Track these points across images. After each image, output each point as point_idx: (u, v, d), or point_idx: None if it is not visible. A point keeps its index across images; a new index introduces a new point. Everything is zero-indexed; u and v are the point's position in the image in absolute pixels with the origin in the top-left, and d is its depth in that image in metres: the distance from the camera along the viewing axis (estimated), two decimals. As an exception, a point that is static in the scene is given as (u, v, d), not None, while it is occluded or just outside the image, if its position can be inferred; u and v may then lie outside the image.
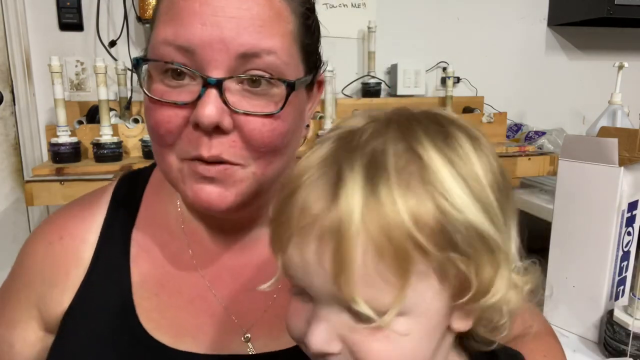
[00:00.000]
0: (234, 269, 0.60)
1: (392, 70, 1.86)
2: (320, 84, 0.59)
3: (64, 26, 1.66)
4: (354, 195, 0.35)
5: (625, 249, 0.90)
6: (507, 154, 1.47)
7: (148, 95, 0.50)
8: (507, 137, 1.80)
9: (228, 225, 0.59)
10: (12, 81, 1.63)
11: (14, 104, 1.65)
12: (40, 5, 1.64)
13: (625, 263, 0.92)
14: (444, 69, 1.91)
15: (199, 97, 0.47)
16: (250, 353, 0.57)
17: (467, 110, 1.81)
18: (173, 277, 0.59)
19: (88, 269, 0.58)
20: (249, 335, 0.58)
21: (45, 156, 1.66)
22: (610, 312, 0.88)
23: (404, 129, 0.38)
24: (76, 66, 1.69)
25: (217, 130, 0.48)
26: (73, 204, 0.65)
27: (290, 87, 0.50)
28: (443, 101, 1.74)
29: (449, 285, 0.37)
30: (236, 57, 0.47)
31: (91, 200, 0.63)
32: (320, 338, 0.37)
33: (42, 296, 0.59)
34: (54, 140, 1.31)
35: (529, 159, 1.47)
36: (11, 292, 0.62)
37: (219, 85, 0.47)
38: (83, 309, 0.57)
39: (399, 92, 1.82)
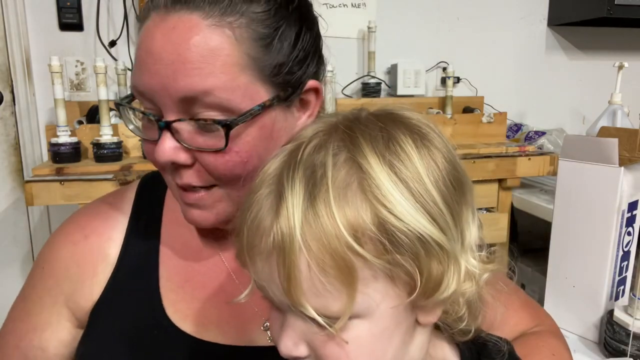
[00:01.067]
0: None
1: (392, 70, 1.86)
2: (317, 91, 0.58)
3: (64, 26, 1.66)
4: (294, 211, 0.37)
5: (626, 249, 0.90)
6: (507, 154, 1.47)
7: (131, 131, 0.57)
8: (507, 137, 1.80)
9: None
10: (12, 81, 1.64)
11: (14, 104, 1.65)
12: (40, 5, 1.64)
13: (625, 263, 0.92)
14: (444, 69, 1.91)
15: (159, 137, 0.52)
16: (270, 343, 0.59)
17: (467, 110, 1.81)
18: (198, 271, 0.62)
19: (115, 265, 0.61)
20: (268, 324, 0.60)
21: (45, 156, 1.66)
22: (610, 312, 0.88)
23: (346, 137, 0.40)
24: (76, 66, 1.69)
25: (179, 164, 0.53)
26: (94, 204, 0.68)
27: (227, 127, 0.51)
28: (443, 101, 1.74)
29: (399, 284, 0.39)
30: (178, 101, 0.50)
31: (114, 201, 0.66)
32: (288, 343, 0.40)
33: (71, 294, 0.61)
34: (54, 140, 1.31)
35: (529, 159, 1.47)
36: (34, 299, 0.63)
37: (168, 127, 0.52)
38: (111, 302, 0.60)
39: (399, 92, 1.82)
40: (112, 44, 1.67)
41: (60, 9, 1.64)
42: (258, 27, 0.52)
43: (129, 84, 1.59)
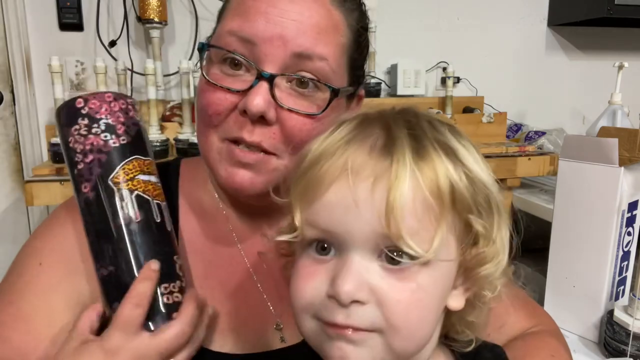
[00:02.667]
0: (269, 255, 0.63)
1: (392, 70, 1.86)
2: (360, 98, 0.63)
3: (64, 26, 1.66)
4: (404, 143, 0.39)
5: (626, 249, 0.90)
6: (507, 154, 1.47)
7: (205, 78, 0.55)
8: (507, 137, 1.80)
9: (256, 210, 0.63)
10: (12, 81, 1.63)
11: (14, 104, 1.65)
12: (40, 5, 1.64)
13: (625, 263, 0.92)
14: (444, 69, 1.91)
15: (251, 87, 0.52)
16: (283, 344, 0.60)
17: (467, 110, 1.81)
18: (217, 267, 0.62)
19: None
20: (281, 324, 0.61)
21: (45, 156, 1.66)
22: (610, 312, 0.88)
23: (416, 112, 0.44)
24: (76, 66, 1.69)
25: (261, 119, 0.53)
26: None
27: (335, 93, 0.55)
28: (443, 101, 1.74)
29: (463, 245, 0.41)
30: (291, 55, 0.52)
31: None
32: (350, 284, 0.38)
33: (83, 292, 0.57)
34: (54, 140, 1.31)
35: (529, 159, 1.46)
36: (30, 298, 0.57)
37: (271, 79, 0.52)
38: None
39: (399, 92, 1.82)
40: (112, 44, 1.67)
41: (60, 9, 1.64)
42: (360, 21, 0.59)
43: (129, 84, 1.60)
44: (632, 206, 0.89)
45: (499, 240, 0.42)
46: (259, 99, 0.51)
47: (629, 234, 0.90)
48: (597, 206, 0.88)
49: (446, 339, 0.48)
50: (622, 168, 0.85)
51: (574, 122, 2.08)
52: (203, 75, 0.56)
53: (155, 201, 0.55)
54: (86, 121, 0.54)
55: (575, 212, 0.91)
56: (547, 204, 1.34)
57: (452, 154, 0.40)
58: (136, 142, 0.55)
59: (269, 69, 0.52)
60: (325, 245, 0.41)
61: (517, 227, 0.46)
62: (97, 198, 0.53)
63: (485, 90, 1.93)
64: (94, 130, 0.54)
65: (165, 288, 0.52)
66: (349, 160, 0.39)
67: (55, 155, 1.30)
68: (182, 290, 0.54)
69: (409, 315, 0.39)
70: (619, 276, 0.91)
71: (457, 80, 1.92)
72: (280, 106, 0.53)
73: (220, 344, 0.58)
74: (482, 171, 0.42)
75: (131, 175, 0.54)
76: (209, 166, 0.58)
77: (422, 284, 0.39)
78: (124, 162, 0.54)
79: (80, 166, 0.54)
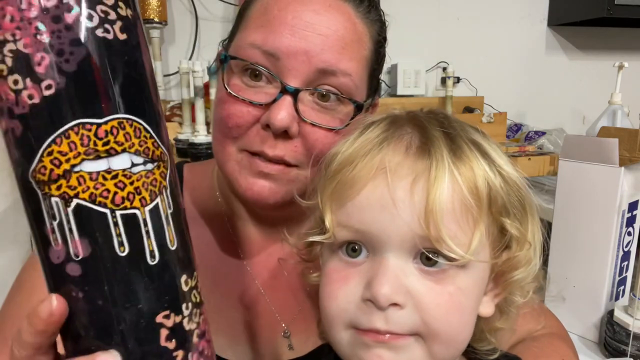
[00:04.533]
0: (273, 264, 0.63)
1: (392, 70, 1.86)
2: (375, 105, 0.62)
3: (64, 26, 1.66)
4: (441, 143, 0.38)
5: (626, 249, 0.90)
6: (507, 154, 1.47)
7: (226, 89, 0.54)
8: (507, 137, 1.80)
9: (269, 220, 0.62)
10: (12, 81, 1.63)
11: (14, 104, 1.65)
12: (40, 5, 1.64)
13: (625, 263, 0.92)
14: (444, 69, 1.91)
15: (274, 100, 0.51)
16: (291, 351, 0.60)
17: (467, 110, 1.81)
18: (224, 276, 0.62)
19: None
20: (288, 332, 0.61)
21: (45, 156, 1.66)
22: (610, 312, 0.88)
23: (444, 114, 0.44)
24: (76, 66, 1.69)
25: (284, 133, 0.52)
26: None
27: (359, 108, 0.54)
28: (443, 101, 1.74)
29: (496, 249, 0.40)
30: (315, 71, 0.51)
31: None
32: (388, 287, 0.37)
33: None
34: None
35: (529, 159, 1.46)
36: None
37: (295, 93, 0.51)
38: None
39: (399, 92, 1.82)
40: (112, 44, 1.67)
41: (60, 9, 1.63)
42: (381, 32, 0.58)
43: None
44: (633, 206, 0.89)
45: (533, 244, 0.41)
46: (283, 114, 0.50)
47: (629, 234, 0.90)
48: (597, 206, 0.88)
49: (467, 349, 0.46)
50: (622, 168, 0.85)
51: (574, 122, 2.08)
52: (224, 86, 0.54)
53: (126, 212, 0.30)
54: None
55: (575, 212, 0.91)
56: (547, 204, 1.34)
57: (486, 155, 0.40)
58: (85, 87, 0.29)
59: (293, 82, 0.51)
60: (356, 247, 0.40)
61: None
62: (26, 207, 0.31)
63: (485, 90, 1.93)
64: None
65: None
66: (385, 160, 0.38)
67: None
68: None
69: (449, 319, 0.38)
70: (619, 276, 0.91)
71: (457, 80, 1.92)
72: (304, 120, 0.52)
73: (230, 353, 0.58)
74: (515, 172, 0.41)
75: (66, 167, 0.29)
76: (226, 176, 0.57)
77: (461, 286, 0.38)
78: (50, 139, 0.28)
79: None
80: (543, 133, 1.73)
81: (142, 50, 0.31)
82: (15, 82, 0.28)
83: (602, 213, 0.87)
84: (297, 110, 0.51)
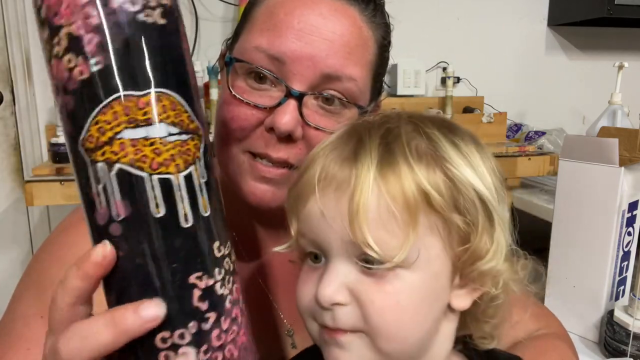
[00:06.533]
0: (277, 263, 0.64)
1: (392, 70, 1.86)
2: (378, 106, 0.62)
3: (64, 26, 1.66)
4: (371, 152, 0.39)
5: (626, 249, 0.90)
6: (507, 154, 1.47)
7: (230, 91, 0.54)
8: (507, 137, 1.80)
9: (272, 221, 0.62)
10: (12, 81, 1.63)
11: (14, 104, 1.65)
12: (40, 5, 1.64)
13: (625, 263, 0.92)
14: (444, 69, 1.91)
15: (279, 104, 0.51)
16: (294, 349, 0.60)
17: (467, 110, 1.81)
18: None
19: None
20: (292, 330, 0.62)
21: (45, 156, 1.66)
22: (610, 312, 0.88)
23: (412, 117, 0.44)
24: (76, 66, 1.69)
25: (287, 137, 0.52)
26: None
27: (363, 112, 0.54)
28: (443, 101, 1.74)
29: (452, 243, 0.41)
30: (320, 75, 0.51)
31: None
32: (330, 289, 0.40)
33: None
34: (54, 140, 1.31)
35: (529, 159, 1.46)
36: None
37: (300, 98, 0.51)
38: None
39: (399, 92, 1.82)
40: (112, 44, 1.67)
41: (60, 9, 1.63)
42: (386, 37, 0.58)
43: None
44: (632, 206, 0.89)
45: (487, 235, 0.41)
46: (287, 118, 0.51)
47: (629, 234, 0.90)
48: (597, 206, 0.88)
49: (466, 349, 0.48)
50: (622, 168, 0.85)
51: (574, 122, 2.08)
52: (228, 89, 0.54)
53: (162, 176, 0.33)
54: (47, 32, 0.33)
55: (575, 212, 0.91)
56: (547, 204, 1.34)
57: (428, 158, 0.40)
58: (128, 63, 0.32)
59: (298, 87, 0.51)
60: (317, 255, 0.42)
61: (513, 222, 0.46)
62: (76, 175, 0.35)
63: (485, 90, 1.93)
64: (55, 50, 0.33)
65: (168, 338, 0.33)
66: (318, 171, 0.40)
67: (55, 155, 1.30)
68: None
69: (385, 317, 0.39)
70: (619, 276, 0.91)
71: (457, 80, 1.92)
72: (308, 124, 0.53)
73: None
74: (469, 168, 0.41)
75: (110, 134, 0.32)
76: (229, 177, 0.57)
77: (398, 287, 0.39)
78: (97, 110, 0.32)
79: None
80: (543, 133, 1.73)
81: (179, 35, 0.35)
82: (69, 60, 0.32)
83: (602, 213, 0.87)
84: (301, 114, 0.52)
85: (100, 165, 0.32)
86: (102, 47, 0.32)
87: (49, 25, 0.33)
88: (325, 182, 0.40)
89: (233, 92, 0.53)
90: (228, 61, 0.55)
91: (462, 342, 0.48)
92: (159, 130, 0.33)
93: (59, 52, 0.33)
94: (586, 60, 2.12)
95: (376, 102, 0.61)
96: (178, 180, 0.33)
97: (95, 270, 0.32)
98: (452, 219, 0.40)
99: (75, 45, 0.32)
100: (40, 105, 1.68)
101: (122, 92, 0.32)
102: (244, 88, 0.53)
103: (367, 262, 0.39)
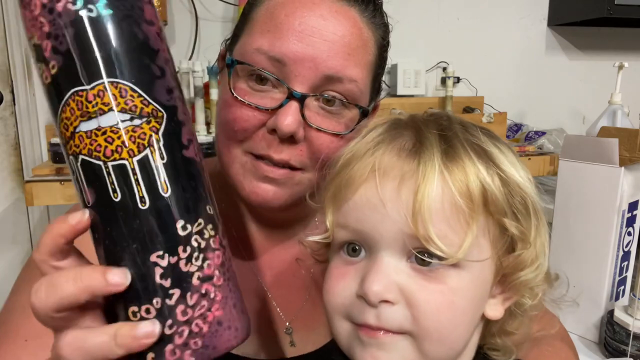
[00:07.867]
0: (276, 263, 0.64)
1: (392, 70, 1.86)
2: (377, 107, 0.62)
3: (64, 26, 1.66)
4: (434, 144, 0.39)
5: (626, 249, 0.90)
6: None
7: (232, 93, 0.54)
8: (507, 137, 1.80)
9: (273, 222, 0.63)
10: (12, 81, 1.63)
11: (14, 104, 1.65)
12: (40, 5, 1.64)
13: (625, 263, 0.92)
14: (444, 69, 1.91)
15: (281, 105, 0.52)
16: (293, 348, 0.60)
17: (467, 110, 1.81)
18: None
19: None
20: (291, 328, 0.62)
21: (45, 156, 1.66)
22: (610, 313, 0.88)
23: (456, 117, 0.44)
24: (76, 66, 1.69)
25: (289, 138, 0.52)
26: None
27: (364, 113, 0.55)
28: (443, 101, 1.74)
29: (497, 250, 0.40)
30: (322, 77, 0.51)
31: None
32: (380, 284, 0.38)
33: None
34: (54, 140, 1.31)
35: (529, 159, 1.46)
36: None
37: (301, 99, 0.52)
38: None
39: (399, 92, 1.82)
40: (112, 44, 1.67)
41: (60, 9, 1.63)
42: (385, 37, 0.59)
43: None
44: (632, 206, 0.89)
45: (538, 244, 0.41)
46: (290, 119, 0.51)
47: (629, 234, 0.90)
48: (597, 206, 0.88)
49: (485, 357, 0.47)
50: (622, 168, 0.85)
51: (574, 122, 2.08)
52: (229, 90, 0.54)
53: (115, 162, 0.34)
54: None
55: (575, 212, 0.91)
56: (547, 204, 1.34)
57: (484, 156, 0.40)
58: (77, 60, 0.34)
59: (299, 88, 0.52)
60: (356, 247, 0.41)
61: None
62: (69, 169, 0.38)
63: (485, 90, 1.93)
64: (34, 61, 0.36)
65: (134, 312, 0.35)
66: (377, 161, 0.39)
67: (55, 155, 1.30)
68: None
69: (440, 317, 0.38)
70: (619, 276, 0.91)
71: (457, 80, 1.92)
72: (309, 125, 0.53)
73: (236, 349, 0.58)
74: (519, 173, 0.41)
75: (71, 129, 0.35)
76: (231, 178, 0.57)
77: (453, 286, 0.38)
78: (60, 109, 0.35)
79: None
80: (543, 133, 1.73)
81: (133, 20, 0.35)
82: (39, 68, 0.35)
83: (602, 213, 0.87)
84: (303, 115, 0.52)
85: (71, 158, 0.36)
86: (55, 51, 0.34)
87: (27, 40, 0.36)
88: (385, 173, 0.39)
89: (234, 94, 0.53)
90: (229, 63, 0.55)
91: (479, 354, 0.47)
92: (108, 119, 0.34)
93: (35, 62, 0.36)
94: (586, 60, 2.12)
95: (375, 102, 0.61)
96: (132, 165, 0.34)
97: (67, 231, 0.35)
98: (504, 223, 0.39)
99: (39, 54, 0.35)
100: (40, 105, 1.68)
101: (73, 89, 0.34)
102: (246, 90, 0.53)
103: (420, 260, 0.38)
